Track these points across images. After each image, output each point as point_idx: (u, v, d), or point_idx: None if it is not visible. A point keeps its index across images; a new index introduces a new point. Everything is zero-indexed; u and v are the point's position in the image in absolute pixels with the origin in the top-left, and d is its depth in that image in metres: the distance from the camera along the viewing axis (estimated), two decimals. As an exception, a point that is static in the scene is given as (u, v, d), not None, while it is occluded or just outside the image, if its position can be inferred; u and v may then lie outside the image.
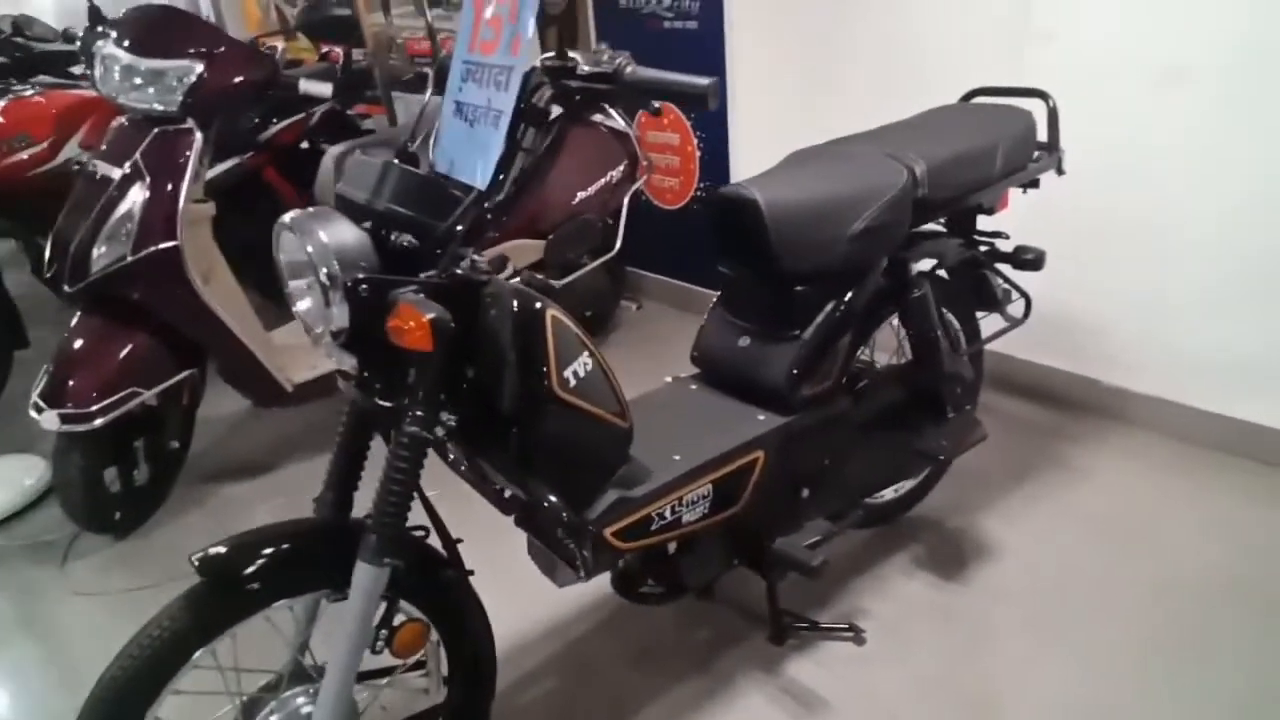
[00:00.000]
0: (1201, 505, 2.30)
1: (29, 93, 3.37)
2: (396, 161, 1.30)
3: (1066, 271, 2.06)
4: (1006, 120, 1.99)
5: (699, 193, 3.54)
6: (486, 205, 1.27)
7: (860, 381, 1.99)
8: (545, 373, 1.37)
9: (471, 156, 1.31)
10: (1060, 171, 2.08)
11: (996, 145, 1.90)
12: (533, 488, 1.40)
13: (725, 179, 3.41)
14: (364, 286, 1.19)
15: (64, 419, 2.21)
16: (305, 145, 3.71)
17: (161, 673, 1.25)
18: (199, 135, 2.27)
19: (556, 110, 1.27)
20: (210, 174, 2.81)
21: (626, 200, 3.20)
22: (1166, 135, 2.36)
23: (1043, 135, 2.09)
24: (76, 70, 3.65)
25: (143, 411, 2.42)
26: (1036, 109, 2.07)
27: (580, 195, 3.05)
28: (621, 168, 3.15)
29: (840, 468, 1.91)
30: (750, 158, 3.33)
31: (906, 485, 2.25)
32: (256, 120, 3.45)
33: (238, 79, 2.33)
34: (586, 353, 1.44)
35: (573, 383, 1.40)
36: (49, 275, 2.32)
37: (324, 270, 1.19)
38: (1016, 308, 2.16)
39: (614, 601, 2.09)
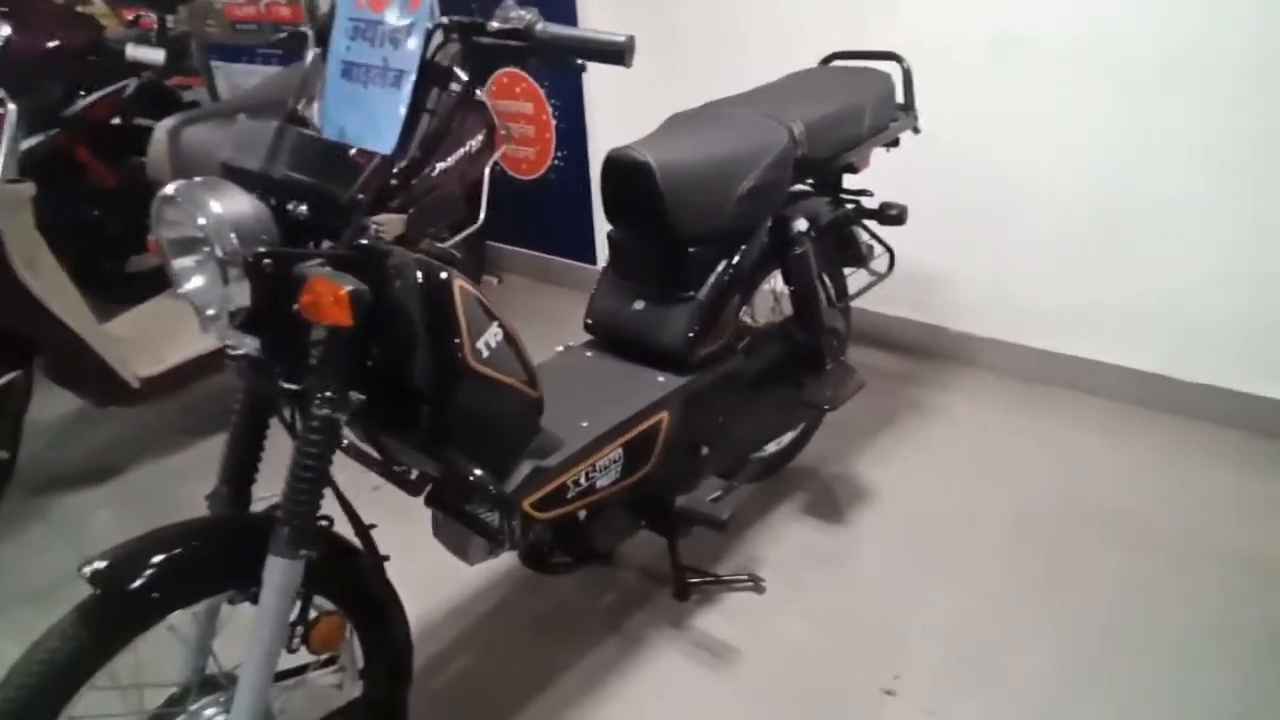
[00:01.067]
0: (1040, 435, 2.53)
1: None
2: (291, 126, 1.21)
3: (911, 227, 2.20)
4: (869, 82, 2.09)
5: (556, 162, 3.50)
6: (392, 172, 1.21)
7: (743, 339, 2.05)
8: (458, 345, 1.32)
9: (368, 121, 1.24)
10: (917, 130, 2.20)
11: (863, 106, 1.99)
12: (453, 463, 1.36)
13: (583, 148, 3.39)
14: (267, 261, 1.11)
15: None
16: (118, 121, 3.39)
17: (55, 700, 1.13)
18: (11, 106, 2.02)
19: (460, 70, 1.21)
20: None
21: (487, 171, 3.12)
22: (1002, 96, 2.55)
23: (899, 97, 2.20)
24: None
25: (-41, 421, 2.16)
26: (891, 71, 2.19)
27: (439, 166, 2.94)
28: (480, 137, 3.06)
29: (733, 424, 1.96)
30: (608, 125, 3.32)
31: (787, 438, 2.34)
32: (61, 94, 3.10)
33: (53, 43, 2.09)
34: (495, 323, 1.41)
35: (485, 354, 1.36)
36: None
37: (221, 245, 1.09)
38: (880, 262, 2.28)
39: (516, 576, 2.07)
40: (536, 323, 1.94)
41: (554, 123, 3.43)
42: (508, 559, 1.93)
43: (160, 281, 2.72)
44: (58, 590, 1.14)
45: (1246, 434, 2.45)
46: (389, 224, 2.88)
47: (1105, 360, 2.65)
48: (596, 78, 3.27)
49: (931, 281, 2.87)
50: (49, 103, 3.03)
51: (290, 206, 1.17)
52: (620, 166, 1.69)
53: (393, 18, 1.20)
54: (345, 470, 1.43)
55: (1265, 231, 2.30)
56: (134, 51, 2.23)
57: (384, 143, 1.19)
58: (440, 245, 1.40)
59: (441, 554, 1.61)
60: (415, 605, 1.94)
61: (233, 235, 1.09)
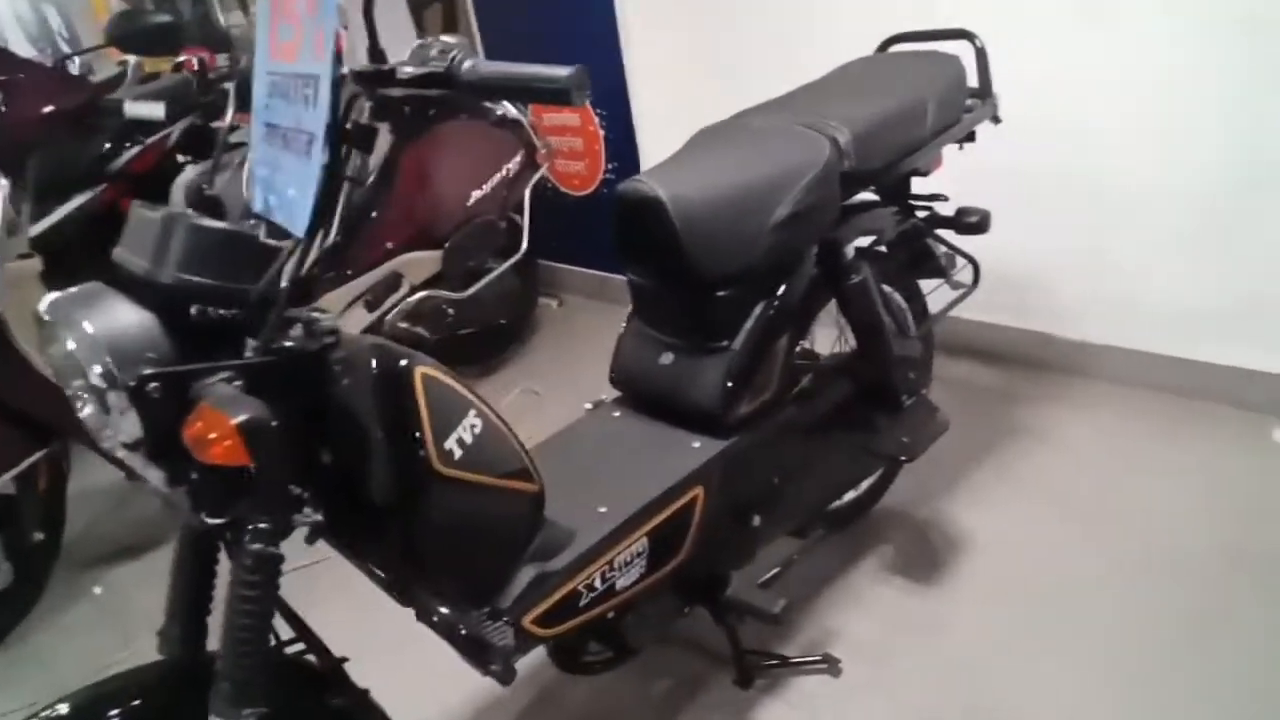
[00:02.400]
0: (1166, 457, 2.14)
1: None
2: (190, 211, 1.01)
3: (1004, 224, 1.88)
4: (933, 69, 1.76)
5: (608, 175, 3.27)
6: (312, 254, 0.99)
7: (802, 379, 1.77)
8: (421, 447, 1.10)
9: (288, 192, 1.03)
10: (996, 120, 1.86)
11: (926, 99, 1.67)
12: (418, 595, 1.14)
13: (634, 158, 3.14)
14: (154, 385, 0.91)
15: (-110, 531, 1.88)
16: (180, 162, 3.34)
17: None
18: (3, 182, 1.92)
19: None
20: (48, 222, 2.45)
21: (528, 193, 2.92)
22: (1092, 75, 2.17)
23: (971, 81, 1.86)
24: None
25: (-7, 504, 2.09)
26: (962, 52, 1.85)
27: (475, 195, 2.76)
28: (518, 159, 2.87)
29: (792, 484, 1.68)
30: (659, 132, 3.06)
31: (866, 481, 2.04)
32: (108, 147, 3.06)
33: (46, 109, 1.99)
34: (472, 411, 1.18)
35: (458, 454, 1.14)
36: None
37: (96, 370, 0.90)
38: (964, 274, 1.95)
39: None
40: (599, 347, 1.73)
41: (602, 133, 3.19)
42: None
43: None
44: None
45: None
46: (419, 262, 2.70)
47: (1250, 367, 2.22)
48: (640, 82, 3.01)
49: (1032, 284, 2.50)
50: (92, 160, 2.99)
51: (193, 311, 0.97)
52: (629, 203, 1.44)
53: (301, 69, 0.99)
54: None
55: None
56: (132, 109, 2.11)
57: (298, 222, 0.98)
58: (403, 326, 1.18)
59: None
60: (435, 706, 1.77)
61: (107, 357, 0.90)
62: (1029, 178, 2.31)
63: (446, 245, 2.66)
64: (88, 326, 0.90)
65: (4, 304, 1.91)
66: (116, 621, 2.25)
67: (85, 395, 0.94)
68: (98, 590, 2.37)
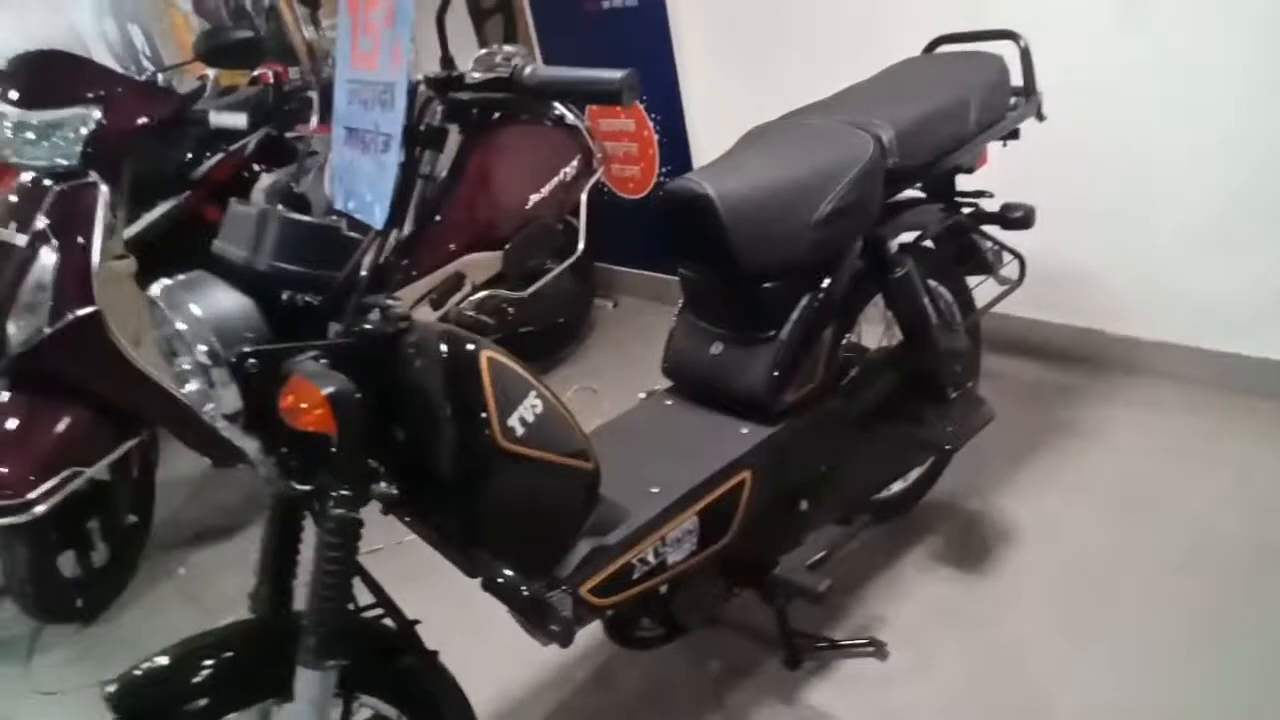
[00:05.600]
0: (1220, 456, 2.12)
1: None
2: (280, 207, 1.12)
3: (1053, 220, 1.91)
4: (976, 68, 1.81)
5: (661, 179, 3.35)
6: (389, 245, 1.09)
7: (850, 371, 1.82)
8: (485, 423, 1.20)
9: (366, 190, 1.13)
10: (1040, 117, 1.90)
11: (969, 97, 1.72)
12: (483, 561, 1.23)
13: (687, 162, 3.22)
14: (252, 361, 1.02)
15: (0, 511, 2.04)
16: (256, 170, 3.52)
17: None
18: (104, 188, 2.09)
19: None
20: (139, 225, 2.63)
21: (584, 196, 3.02)
22: (1139, 68, 2.18)
23: (1016, 79, 1.90)
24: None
25: (91, 488, 2.25)
26: (1007, 52, 1.89)
27: (533, 198, 2.87)
28: (575, 163, 2.97)
29: (839, 472, 1.74)
30: (711, 136, 3.14)
31: (915, 473, 2.08)
32: (190, 156, 3.25)
33: (141, 120, 2.15)
34: (533, 393, 1.27)
35: (519, 430, 1.23)
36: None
37: (201, 348, 1.01)
38: (1010, 269, 1.99)
39: (609, 644, 1.92)
40: (653, 347, 1.82)
41: (656, 138, 3.28)
42: (595, 629, 1.79)
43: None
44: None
45: None
46: (481, 262, 2.81)
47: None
48: (693, 88, 3.09)
49: (1083, 280, 2.50)
50: (174, 170, 3.18)
51: (285, 295, 1.08)
52: (679, 200, 1.51)
53: (379, 77, 1.09)
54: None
55: None
56: (217, 119, 2.26)
57: (376, 215, 1.08)
58: (470, 314, 1.28)
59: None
60: (500, 679, 1.87)
61: (213, 336, 1.01)
62: (1074, 173, 2.32)
63: (507, 246, 2.77)
64: (195, 309, 1.02)
65: (103, 301, 2.07)
66: (198, 601, 2.40)
67: (191, 371, 1.06)
68: (181, 571, 2.52)
